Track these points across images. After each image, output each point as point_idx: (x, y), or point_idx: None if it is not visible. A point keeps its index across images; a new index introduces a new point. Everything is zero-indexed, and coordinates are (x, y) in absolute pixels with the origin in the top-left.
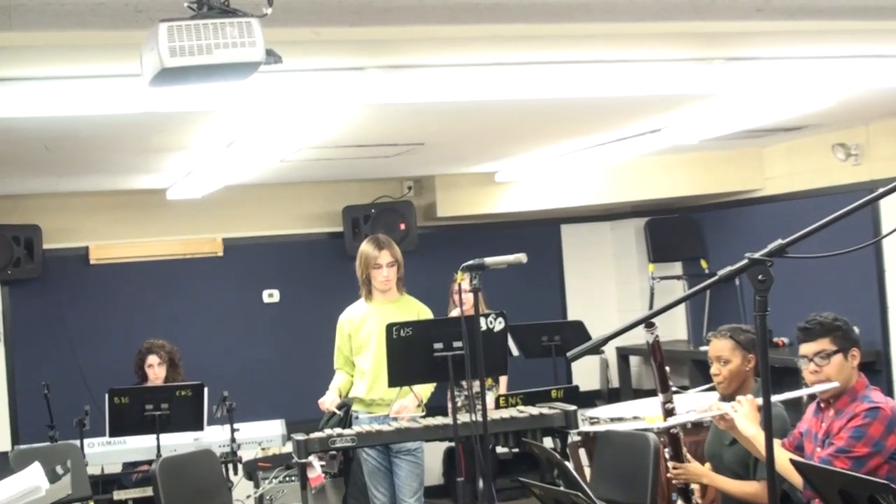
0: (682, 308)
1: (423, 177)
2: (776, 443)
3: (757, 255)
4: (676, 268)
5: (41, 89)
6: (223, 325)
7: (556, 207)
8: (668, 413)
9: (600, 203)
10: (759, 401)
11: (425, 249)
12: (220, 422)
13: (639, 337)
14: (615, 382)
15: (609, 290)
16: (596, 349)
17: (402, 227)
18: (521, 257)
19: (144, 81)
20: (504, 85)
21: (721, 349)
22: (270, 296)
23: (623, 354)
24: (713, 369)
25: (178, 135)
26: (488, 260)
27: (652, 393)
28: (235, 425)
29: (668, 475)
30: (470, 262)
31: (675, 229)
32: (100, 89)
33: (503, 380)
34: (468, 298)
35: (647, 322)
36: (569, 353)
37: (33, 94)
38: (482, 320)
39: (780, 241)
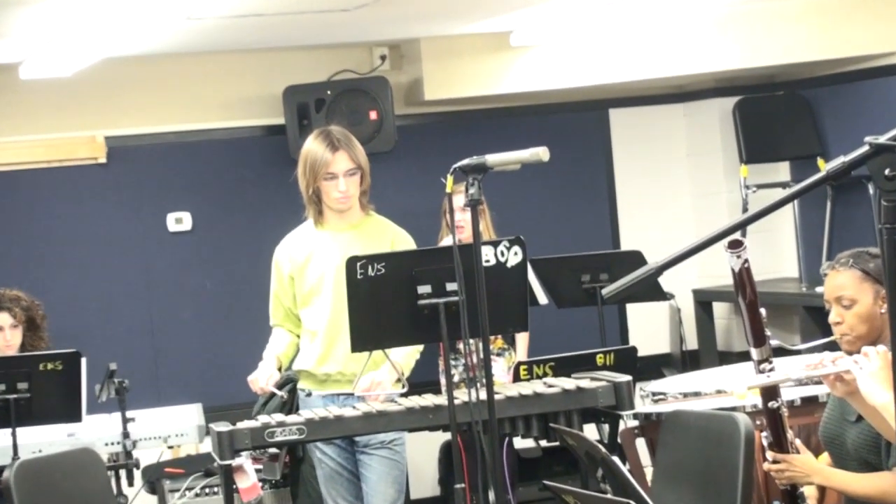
0: (790, 234)
1: (403, 41)
2: None
3: (883, 140)
4: (781, 170)
5: None
6: (108, 267)
7: (603, 84)
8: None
9: (668, 76)
10: None
11: (406, 149)
12: (106, 409)
13: (726, 275)
14: (692, 342)
15: (682, 205)
16: (649, 283)
17: (373, 115)
18: (541, 153)
19: None
20: None
21: (842, 285)
22: (178, 221)
23: (703, 301)
24: (833, 315)
25: None
26: (491, 158)
27: (746, 357)
28: (129, 413)
29: (767, 471)
30: (465, 162)
31: (778, 114)
32: None
33: (522, 339)
34: (464, 218)
35: (733, 242)
36: (605, 291)
37: None
38: (488, 250)
39: None
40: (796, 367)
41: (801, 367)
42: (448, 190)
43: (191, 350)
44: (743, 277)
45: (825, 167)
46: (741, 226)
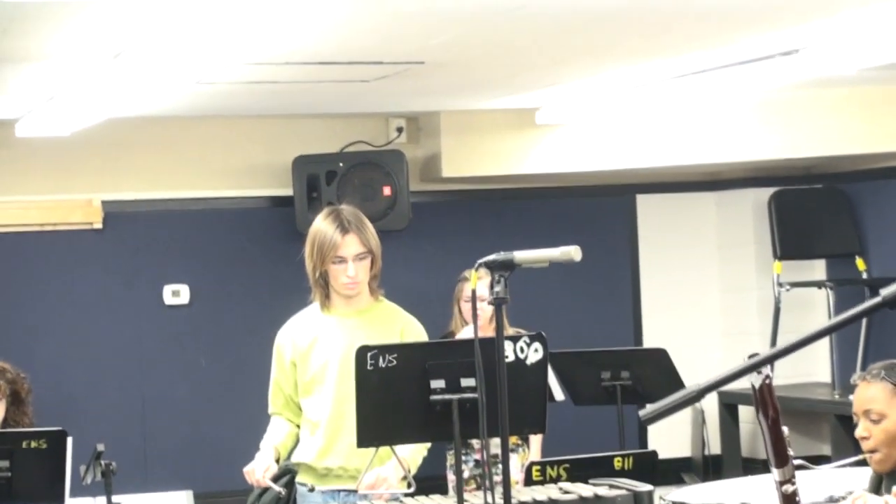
0: (824, 337)
1: (422, 114)
2: None
3: None
4: (817, 268)
5: None
6: (100, 340)
7: (631, 168)
8: (788, 501)
9: (699, 163)
10: None
11: (421, 228)
12: (90, 492)
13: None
14: (715, 446)
15: (710, 301)
16: (685, 405)
17: (387, 191)
18: (572, 252)
19: None
20: None
21: (872, 398)
22: (175, 294)
23: (728, 403)
24: (860, 429)
25: (33, 36)
26: (519, 255)
27: None
28: (115, 498)
29: None
30: (491, 258)
31: (816, 208)
32: None
33: (536, 439)
34: (485, 311)
35: (753, 356)
36: (642, 413)
37: None
38: (507, 345)
39: None
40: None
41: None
42: (472, 287)
43: (183, 432)
44: (764, 394)
45: (882, 293)
46: (788, 351)
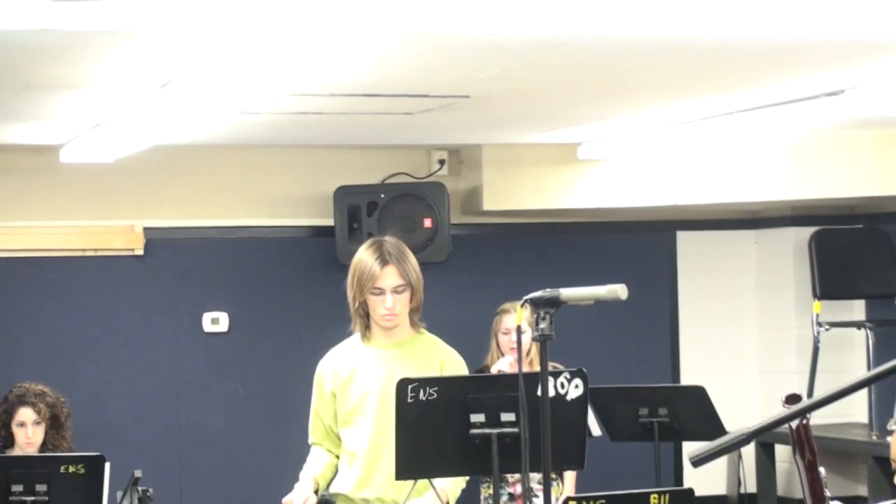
0: (862, 376)
1: (464, 146)
2: None
3: None
4: (856, 308)
5: None
6: (138, 365)
7: (672, 205)
8: None
9: (741, 201)
10: None
11: (461, 260)
12: None
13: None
14: (751, 485)
15: (748, 338)
16: (735, 447)
17: (428, 223)
18: (619, 291)
19: None
20: (606, 13)
21: None
22: (215, 321)
23: (764, 442)
24: None
25: (83, 65)
26: (566, 292)
27: None
28: None
29: None
30: (537, 295)
31: (857, 248)
32: None
33: (570, 474)
34: (526, 344)
35: (790, 397)
36: (691, 455)
37: None
38: (550, 381)
39: None
40: None
41: None
42: (517, 323)
43: (219, 460)
44: (801, 435)
45: None
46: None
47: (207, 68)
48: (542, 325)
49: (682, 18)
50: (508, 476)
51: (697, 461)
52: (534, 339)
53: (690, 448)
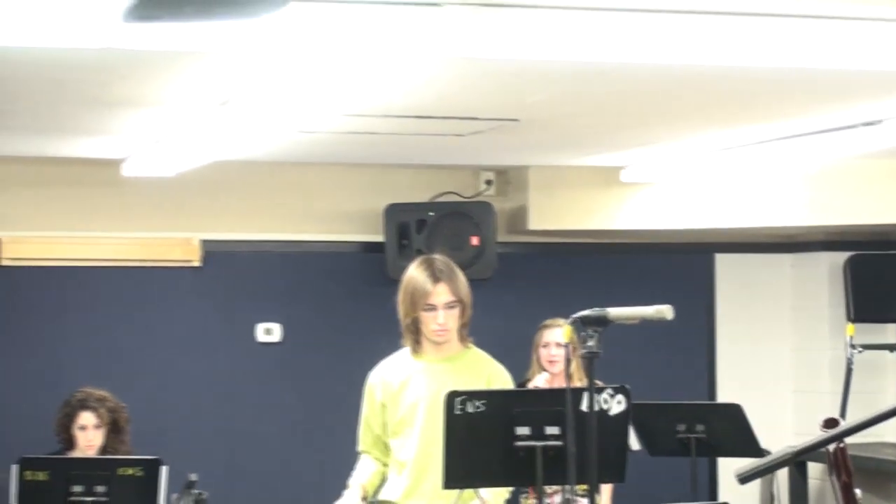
0: (894, 397)
1: (511, 168)
2: None
3: None
4: (889, 332)
5: None
6: (195, 374)
7: (710, 228)
8: None
9: (777, 226)
10: None
11: (506, 278)
12: None
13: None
14: (784, 501)
15: (782, 359)
16: (780, 467)
17: (475, 241)
18: (665, 311)
19: (113, 9)
20: (651, 41)
21: None
22: (268, 332)
23: (797, 461)
24: None
25: (149, 83)
26: (613, 311)
27: None
28: None
29: None
30: (585, 313)
31: (890, 273)
32: (39, 12)
33: (607, 487)
34: (559, 354)
35: (829, 421)
36: (738, 472)
37: None
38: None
39: None
40: None
41: None
42: (566, 340)
43: (270, 466)
44: (838, 458)
45: None
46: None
47: (266, 88)
48: (591, 343)
49: (723, 49)
50: (546, 488)
51: (744, 479)
52: (582, 357)
53: (734, 466)
